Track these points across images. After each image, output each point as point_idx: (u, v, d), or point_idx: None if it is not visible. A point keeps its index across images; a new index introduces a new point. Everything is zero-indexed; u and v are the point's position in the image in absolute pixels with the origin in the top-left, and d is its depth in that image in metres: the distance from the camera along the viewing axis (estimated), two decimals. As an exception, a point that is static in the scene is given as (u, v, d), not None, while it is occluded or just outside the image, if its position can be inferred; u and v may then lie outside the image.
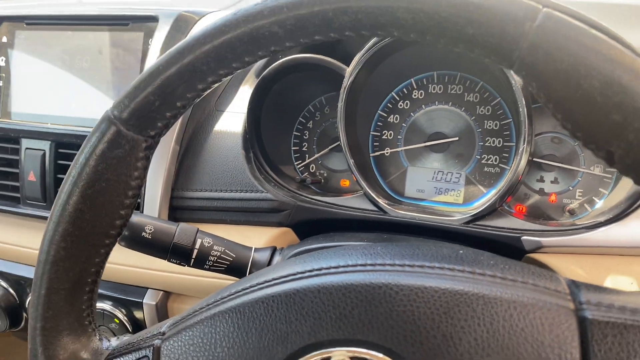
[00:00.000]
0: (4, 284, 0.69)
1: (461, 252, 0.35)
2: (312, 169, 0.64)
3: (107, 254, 0.38)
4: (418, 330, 0.30)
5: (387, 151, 0.61)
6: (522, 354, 0.29)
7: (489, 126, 0.56)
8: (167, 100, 0.34)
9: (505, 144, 0.56)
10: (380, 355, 0.30)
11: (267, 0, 0.30)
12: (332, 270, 0.34)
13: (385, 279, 0.31)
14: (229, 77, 0.40)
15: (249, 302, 0.34)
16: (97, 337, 0.40)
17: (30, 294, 0.67)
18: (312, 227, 0.57)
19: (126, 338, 0.40)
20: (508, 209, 0.55)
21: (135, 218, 0.48)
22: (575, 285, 0.32)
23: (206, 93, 0.35)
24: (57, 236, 0.37)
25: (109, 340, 0.40)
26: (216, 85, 0.34)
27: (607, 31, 0.25)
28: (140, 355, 0.37)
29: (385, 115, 0.60)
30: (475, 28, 0.26)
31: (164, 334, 0.37)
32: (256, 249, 0.49)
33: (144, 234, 0.47)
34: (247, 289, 0.35)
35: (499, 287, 0.30)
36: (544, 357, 0.29)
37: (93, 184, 0.35)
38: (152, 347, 0.37)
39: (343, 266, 0.34)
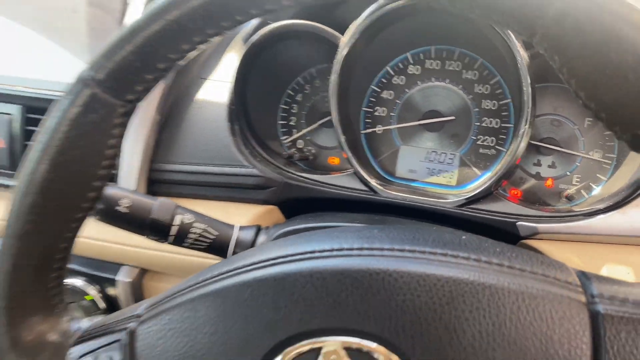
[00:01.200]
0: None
1: (464, 237, 0.32)
2: (300, 145, 0.61)
3: (78, 228, 0.35)
4: (418, 321, 0.28)
5: (380, 129, 0.58)
6: (529, 349, 0.27)
7: (487, 106, 0.54)
8: (148, 61, 0.31)
9: (502, 125, 0.53)
10: (377, 346, 0.28)
11: None
12: (326, 253, 0.31)
13: (384, 264, 0.29)
14: (214, 41, 0.37)
15: (234, 285, 0.32)
16: (67, 318, 0.37)
17: None
18: (299, 205, 0.54)
19: (98, 320, 0.38)
20: (503, 192, 0.53)
21: (111, 190, 0.44)
22: (585, 277, 0.30)
23: (191, 56, 0.31)
24: (24, 208, 0.33)
25: (79, 322, 0.37)
26: (202, 47, 0.30)
27: None
28: (113, 339, 0.35)
29: (379, 90, 0.58)
30: None
31: (139, 316, 0.34)
32: (240, 227, 0.47)
33: (119, 207, 0.44)
34: (232, 270, 0.32)
35: (507, 277, 0.28)
36: (552, 353, 0.27)
37: (64, 151, 0.32)
38: (126, 330, 0.34)
39: (338, 249, 0.31)
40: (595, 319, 0.27)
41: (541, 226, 0.47)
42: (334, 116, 0.52)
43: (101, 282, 0.59)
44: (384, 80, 0.57)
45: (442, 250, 0.30)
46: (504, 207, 0.50)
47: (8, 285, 0.35)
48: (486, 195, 0.50)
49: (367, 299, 0.28)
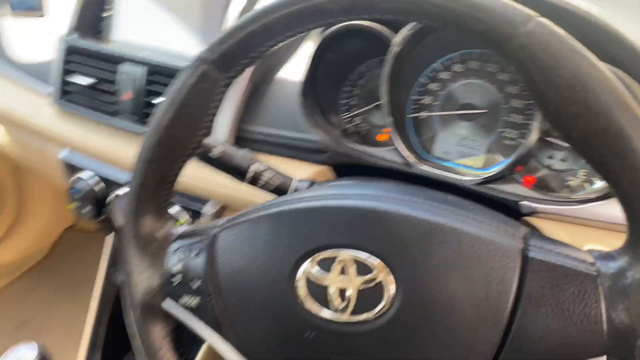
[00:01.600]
0: (95, 179, 0.84)
1: (450, 197, 0.45)
2: (356, 122, 0.74)
3: (185, 162, 0.51)
4: (404, 246, 0.40)
5: (423, 114, 0.70)
6: (475, 272, 0.39)
7: (515, 104, 0.64)
8: (245, 50, 0.45)
9: (525, 121, 0.63)
10: (376, 261, 0.41)
11: None
12: (351, 196, 0.44)
13: (387, 207, 0.42)
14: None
15: (286, 211, 0.46)
16: (170, 223, 0.53)
17: (112, 193, 0.83)
18: (347, 169, 0.67)
19: (191, 227, 0.53)
20: (518, 178, 0.64)
21: (209, 139, 0.60)
22: (530, 234, 0.41)
23: (275, 48, 0.45)
24: (152, 142, 0.49)
25: (177, 228, 0.53)
26: (283, 43, 0.44)
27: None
28: (201, 239, 0.50)
29: (427, 82, 0.69)
30: (483, 25, 0.35)
31: (221, 226, 0.49)
32: (298, 180, 0.61)
33: (212, 153, 0.59)
34: (286, 201, 0.47)
35: (469, 224, 0.40)
36: (491, 278, 0.39)
37: (183, 107, 0.47)
38: (210, 235, 0.49)
39: (358, 195, 0.44)
40: (525, 260, 0.39)
41: (540, 207, 0.58)
42: (384, 101, 0.65)
43: (190, 212, 0.76)
44: (432, 73, 0.69)
45: (430, 201, 0.42)
46: (514, 189, 0.61)
47: (136, 196, 0.51)
48: (501, 177, 0.61)
49: (373, 229, 0.41)
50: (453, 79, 0.68)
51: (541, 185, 0.63)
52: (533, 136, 0.57)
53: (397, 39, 0.62)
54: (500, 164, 0.65)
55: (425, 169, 0.64)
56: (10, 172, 1.52)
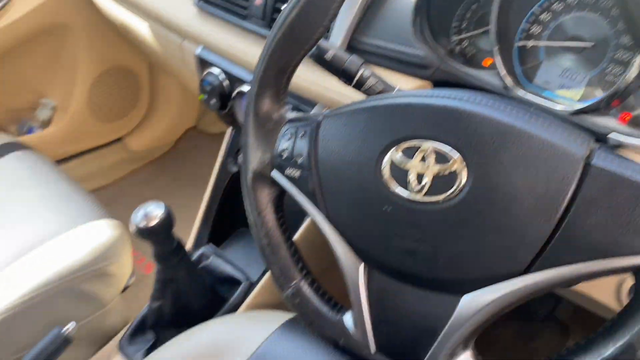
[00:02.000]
0: (222, 75, 0.96)
1: (532, 107, 0.49)
2: (464, 44, 0.78)
3: (303, 56, 0.59)
4: (481, 143, 0.46)
5: (530, 43, 0.72)
6: (540, 171, 0.44)
7: (624, 41, 0.64)
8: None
9: (631, 59, 0.64)
10: (456, 155, 0.47)
11: None
12: (439, 96, 0.50)
13: (470, 107, 0.48)
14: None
15: (381, 105, 0.53)
16: (284, 109, 0.62)
17: (236, 89, 0.95)
18: (447, 86, 0.72)
19: (301, 113, 0.62)
20: (615, 113, 0.65)
21: (324, 43, 0.67)
22: (599, 146, 0.45)
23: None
24: (278, 35, 0.57)
25: (290, 112, 0.62)
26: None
27: None
28: (307, 124, 0.59)
29: (539, 12, 0.71)
30: None
31: (324, 115, 0.58)
32: (398, 88, 0.67)
33: (326, 55, 0.67)
34: (381, 97, 0.54)
35: (542, 129, 0.45)
36: (552, 177, 0.44)
37: (306, 5, 0.55)
38: (315, 121, 0.58)
39: (445, 96, 0.50)
40: (587, 166, 0.43)
41: (627, 139, 0.60)
42: (492, 27, 0.68)
43: (300, 110, 0.86)
44: (545, 4, 0.70)
45: (511, 107, 0.47)
46: (607, 122, 0.63)
47: (259, 80, 0.60)
48: (596, 110, 0.63)
49: (455, 125, 0.48)
50: (566, 11, 0.69)
51: (637, 122, 0.64)
52: (633, 72, 0.59)
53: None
54: (598, 98, 0.66)
55: (523, 94, 0.68)
56: (147, 69, 1.72)
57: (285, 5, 0.80)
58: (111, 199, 1.67)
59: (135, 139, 1.84)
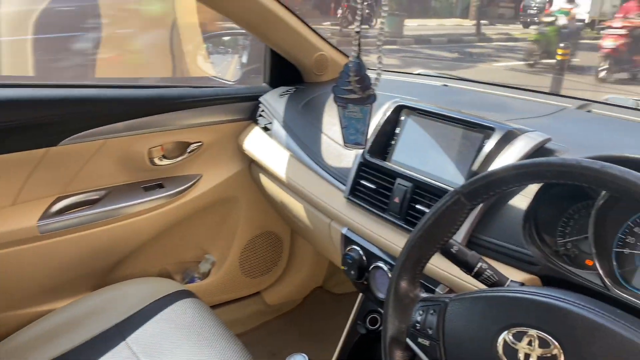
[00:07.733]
0: (362, 252, 1.19)
1: (619, 311, 0.63)
2: (568, 246, 0.93)
3: (434, 252, 0.79)
4: (576, 336, 0.61)
5: (626, 251, 0.86)
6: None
7: None
8: (490, 190, 0.72)
9: None
10: (556, 342, 0.62)
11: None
12: (541, 294, 0.67)
13: (565, 305, 0.63)
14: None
15: (498, 296, 0.70)
16: (419, 290, 0.81)
17: (372, 264, 1.18)
18: (552, 282, 0.87)
19: (432, 294, 0.81)
20: None
21: (450, 240, 0.87)
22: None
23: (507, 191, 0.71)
24: (417, 235, 0.79)
25: (423, 292, 0.81)
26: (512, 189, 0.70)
27: None
28: (437, 303, 0.76)
29: (633, 226, 0.86)
30: None
31: (451, 298, 0.75)
32: (512, 280, 0.84)
33: (452, 249, 0.86)
34: (499, 290, 0.71)
35: (624, 329, 0.59)
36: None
37: (440, 217, 0.76)
38: (444, 302, 0.76)
39: (547, 295, 0.66)
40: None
41: None
42: (590, 237, 0.84)
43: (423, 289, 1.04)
44: (637, 220, 0.85)
45: (630, 325, 0.61)
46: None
47: (401, 267, 0.80)
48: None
49: (559, 320, 0.63)
50: (657, 227, 0.83)
51: None
52: None
53: (601, 195, 0.83)
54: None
55: (621, 294, 0.80)
56: (290, 234, 2.03)
57: (419, 205, 1.03)
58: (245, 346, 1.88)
59: (271, 293, 2.10)
